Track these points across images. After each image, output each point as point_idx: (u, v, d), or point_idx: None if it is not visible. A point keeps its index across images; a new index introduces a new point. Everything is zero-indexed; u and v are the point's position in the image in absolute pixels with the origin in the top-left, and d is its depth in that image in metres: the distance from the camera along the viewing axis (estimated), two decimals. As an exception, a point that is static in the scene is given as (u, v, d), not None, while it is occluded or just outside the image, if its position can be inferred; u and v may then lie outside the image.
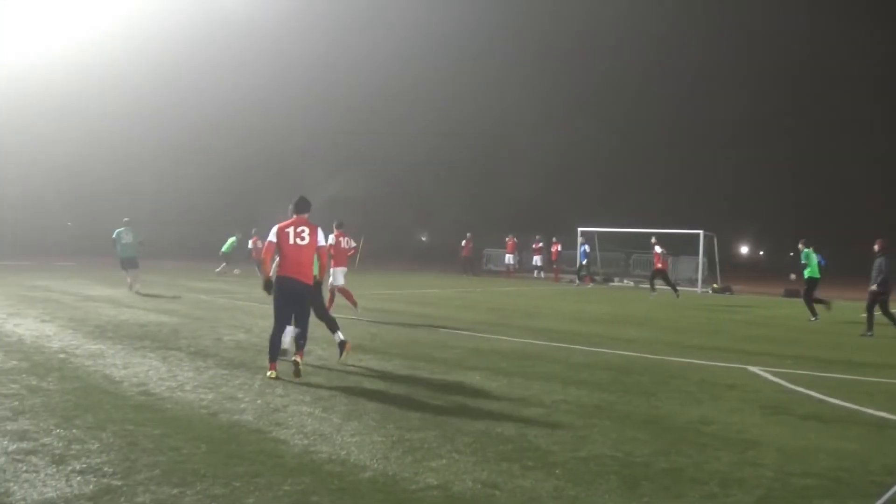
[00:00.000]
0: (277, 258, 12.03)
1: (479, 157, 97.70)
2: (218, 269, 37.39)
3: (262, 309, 20.87)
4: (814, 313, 22.84)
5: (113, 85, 64.59)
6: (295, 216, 12.08)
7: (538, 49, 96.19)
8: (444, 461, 7.26)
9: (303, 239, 11.82)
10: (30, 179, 60.80)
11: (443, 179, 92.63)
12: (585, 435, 8.46)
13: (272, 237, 11.81)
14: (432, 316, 21.17)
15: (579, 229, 46.03)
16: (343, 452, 7.40)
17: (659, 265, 34.67)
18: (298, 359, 11.58)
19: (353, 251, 21.35)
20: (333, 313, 14.12)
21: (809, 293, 23.70)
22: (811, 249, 23.05)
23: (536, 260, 49.08)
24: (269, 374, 11.36)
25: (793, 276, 21.09)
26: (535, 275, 49.12)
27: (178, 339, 14.87)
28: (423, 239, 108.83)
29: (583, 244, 44.66)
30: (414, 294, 29.72)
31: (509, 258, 50.62)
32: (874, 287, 20.44)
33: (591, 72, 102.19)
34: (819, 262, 39.15)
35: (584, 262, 44.11)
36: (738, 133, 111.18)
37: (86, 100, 62.38)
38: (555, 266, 48.91)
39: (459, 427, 8.57)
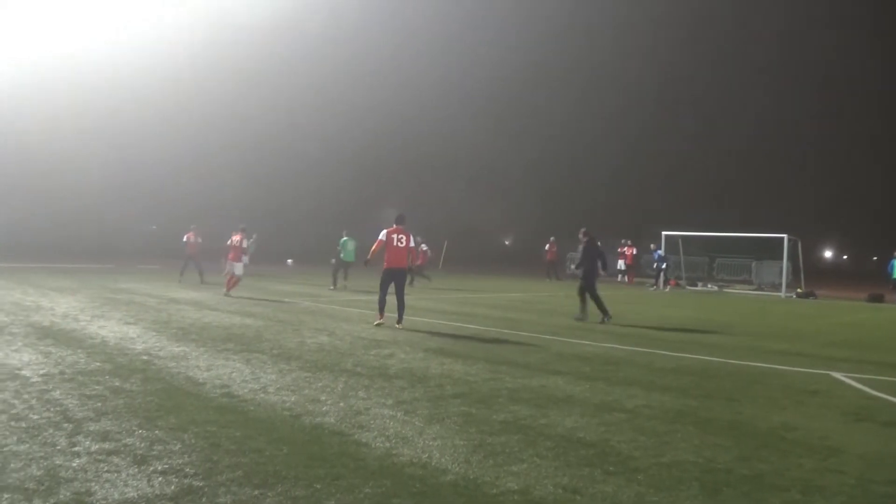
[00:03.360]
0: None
1: (565, 160, 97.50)
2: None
3: (346, 312, 21.08)
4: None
5: (196, 89, 65.47)
6: (395, 225, 18.61)
7: (619, 50, 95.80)
8: (525, 465, 7.18)
9: (401, 242, 18.48)
10: (115, 184, 61.76)
11: (527, 183, 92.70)
12: (667, 440, 8.34)
13: (382, 237, 18.43)
14: (515, 320, 21.09)
15: (663, 233, 45.86)
16: (424, 456, 7.35)
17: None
18: (398, 325, 18.15)
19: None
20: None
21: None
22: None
23: (620, 264, 48.91)
24: (376, 322, 18.36)
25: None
26: (619, 279, 48.98)
27: (261, 341, 14.95)
28: (507, 243, 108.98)
29: (655, 250, 44.49)
30: (497, 297, 29.66)
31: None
32: (579, 273, 22.01)
33: (676, 74, 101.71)
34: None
35: (665, 267, 43.88)
36: (824, 137, 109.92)
37: (171, 105, 63.28)
38: (630, 269, 48.82)
39: (541, 431, 8.49)
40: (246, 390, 10.12)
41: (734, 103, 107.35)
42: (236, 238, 26.80)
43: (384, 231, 18.48)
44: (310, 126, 75.36)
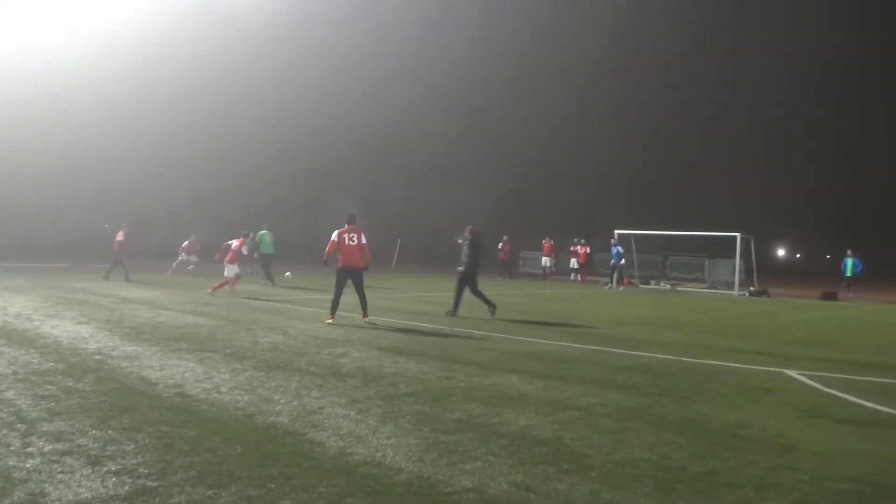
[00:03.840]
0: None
1: (519, 159, 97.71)
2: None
3: (300, 311, 21.06)
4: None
5: (150, 85, 65.00)
6: (347, 225, 19.30)
7: (575, 50, 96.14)
8: (479, 464, 7.22)
9: (353, 241, 19.15)
10: (67, 182, 61.21)
11: (479, 181, 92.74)
12: (622, 438, 8.41)
13: (334, 237, 19.20)
14: (468, 318, 21.14)
15: (616, 232, 46.09)
16: (378, 455, 7.37)
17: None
18: (367, 318, 19.10)
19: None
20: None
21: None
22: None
23: (573, 262, 49.15)
24: (327, 320, 18.69)
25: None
26: (572, 277, 49.22)
27: (214, 341, 14.91)
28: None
29: (615, 245, 44.65)
30: (450, 296, 29.72)
31: (546, 260, 50.69)
32: (460, 269, 22.41)
33: (629, 75, 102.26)
34: (855, 266, 39.45)
35: (622, 263, 44.11)
36: (776, 137, 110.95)
37: (126, 101, 62.78)
38: (583, 268, 49.14)
39: (495, 430, 8.53)
40: (199, 390, 10.09)
41: (688, 103, 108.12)
42: (236, 242, 27.98)
43: (336, 231, 19.30)
44: (265, 122, 75.01)
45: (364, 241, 19.40)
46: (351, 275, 19.26)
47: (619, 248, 44.44)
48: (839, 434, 9.11)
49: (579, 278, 48.85)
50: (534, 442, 8.10)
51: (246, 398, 9.67)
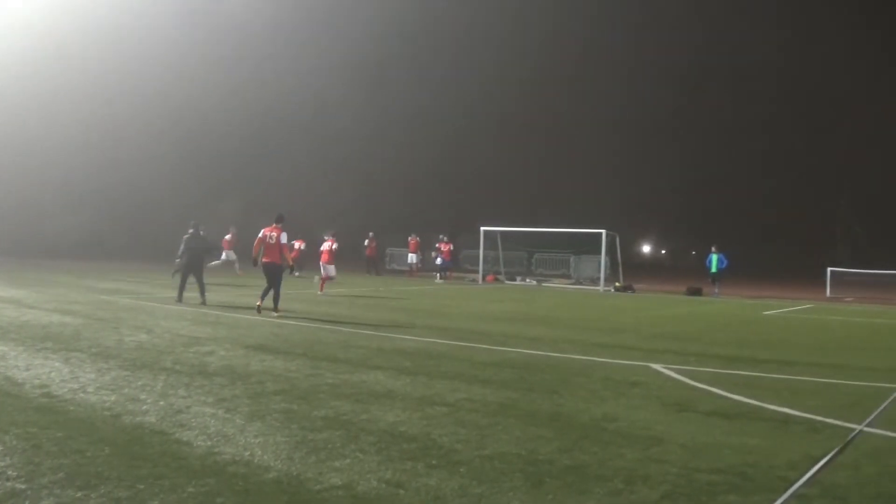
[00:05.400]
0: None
1: (385, 155, 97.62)
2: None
3: (165, 310, 20.88)
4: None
5: (14, 76, 63.33)
6: (274, 224, 20.99)
7: (431, 47, 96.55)
8: (348, 461, 7.30)
9: (272, 239, 20.85)
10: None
11: (343, 178, 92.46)
12: (489, 433, 8.55)
13: (260, 234, 20.96)
14: (336, 315, 21.23)
15: (482, 229, 46.58)
16: (247, 454, 7.42)
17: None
18: (275, 312, 20.45)
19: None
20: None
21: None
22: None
23: (438, 259, 49.51)
24: (257, 304, 20.95)
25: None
26: (438, 276, 49.62)
27: (80, 340, 14.70)
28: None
29: (437, 245, 46.45)
30: (316, 293, 29.71)
31: (412, 257, 50.93)
32: (178, 260, 25.44)
33: (495, 72, 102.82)
34: (720, 262, 40.55)
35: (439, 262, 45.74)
36: (641, 133, 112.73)
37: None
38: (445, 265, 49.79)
39: (363, 427, 8.63)
40: (65, 390, 10.01)
41: (553, 100, 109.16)
42: (329, 242, 30.21)
43: (263, 230, 21.19)
44: (140, 115, 73.47)
45: (284, 240, 21.11)
46: (269, 270, 21.05)
47: (442, 248, 47.25)
48: (707, 426, 9.35)
49: (444, 275, 49.18)
50: (402, 438, 8.22)
51: (112, 398, 9.62)
